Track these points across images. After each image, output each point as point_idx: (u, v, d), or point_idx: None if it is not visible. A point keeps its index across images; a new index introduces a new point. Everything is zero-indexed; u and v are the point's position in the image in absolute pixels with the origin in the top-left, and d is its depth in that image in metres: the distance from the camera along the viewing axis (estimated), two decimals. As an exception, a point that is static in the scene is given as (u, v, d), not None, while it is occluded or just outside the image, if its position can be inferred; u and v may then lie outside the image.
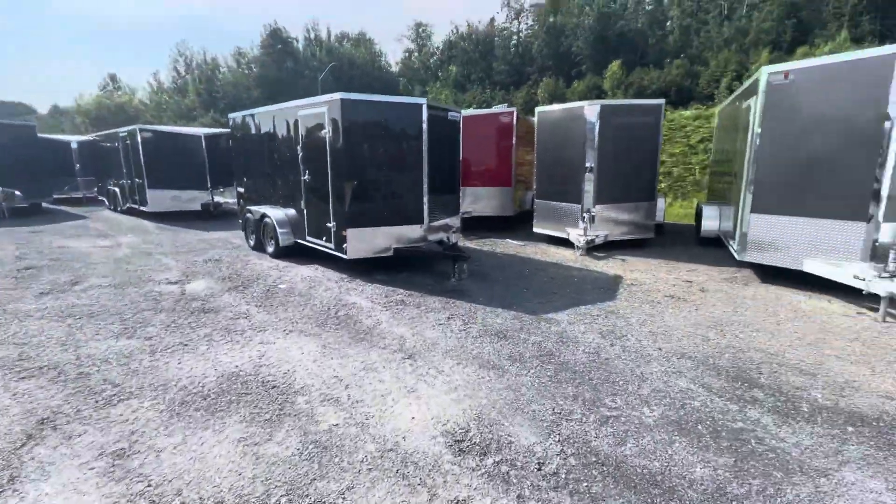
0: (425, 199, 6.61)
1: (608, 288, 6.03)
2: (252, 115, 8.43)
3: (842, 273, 5.19)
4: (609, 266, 7.26)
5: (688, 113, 16.68)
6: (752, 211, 6.06)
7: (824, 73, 5.38)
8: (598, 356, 3.94)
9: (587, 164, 8.10)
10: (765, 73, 5.86)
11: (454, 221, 7.63)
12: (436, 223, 6.99)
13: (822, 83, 5.38)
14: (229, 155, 10.51)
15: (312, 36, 50.45)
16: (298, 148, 6.99)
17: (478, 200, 10.51)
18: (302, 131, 6.89)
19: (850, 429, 2.88)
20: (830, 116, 5.36)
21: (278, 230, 7.49)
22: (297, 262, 7.39)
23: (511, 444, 2.72)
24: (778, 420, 2.98)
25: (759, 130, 5.93)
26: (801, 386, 3.42)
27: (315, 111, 6.51)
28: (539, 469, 2.50)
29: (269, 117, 7.83)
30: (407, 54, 52.06)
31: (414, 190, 6.56)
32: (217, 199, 13.24)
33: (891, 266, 4.77)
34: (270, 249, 7.88)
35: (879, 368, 3.70)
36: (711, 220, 8.33)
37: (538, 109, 9.15)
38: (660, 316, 4.94)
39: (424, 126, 6.38)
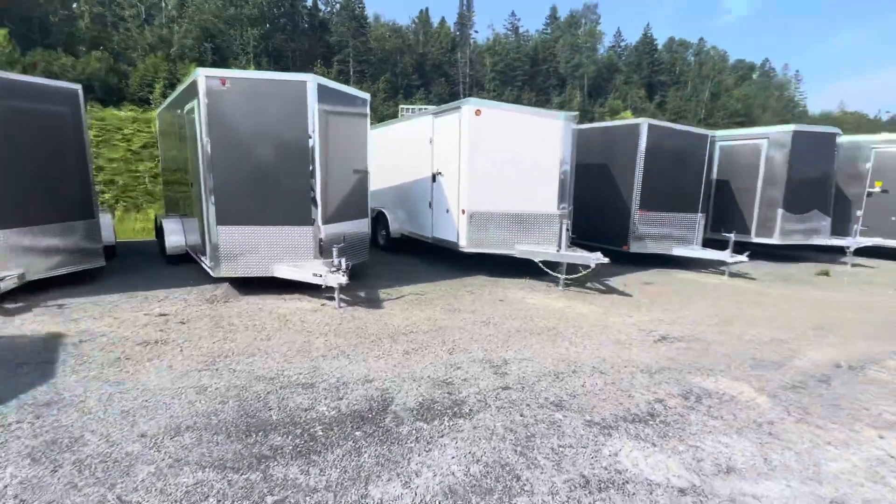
0: None
1: (40, 360, 3.87)
2: None
3: (304, 274, 5.75)
4: (38, 322, 4.82)
5: (123, 114, 14.50)
6: (219, 223, 5.66)
7: (259, 87, 5.60)
8: (26, 510, 2.19)
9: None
10: (201, 76, 5.46)
11: None
12: None
13: (259, 96, 5.58)
14: None
15: None
16: None
17: None
18: None
19: (357, 433, 2.93)
20: (271, 129, 5.69)
21: None
22: None
23: None
24: (303, 464, 2.60)
25: (208, 140, 5.52)
26: (308, 405, 3.26)
27: None
28: None
29: None
30: None
31: None
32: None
33: (335, 261, 5.69)
34: None
35: (349, 351, 4.20)
36: (176, 235, 7.40)
37: None
38: (133, 380, 3.57)
39: None
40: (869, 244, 10.31)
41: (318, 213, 6.00)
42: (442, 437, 2.93)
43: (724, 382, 3.89)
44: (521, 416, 3.23)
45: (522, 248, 7.13)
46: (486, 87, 69.34)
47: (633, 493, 2.45)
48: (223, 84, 5.47)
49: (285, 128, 5.72)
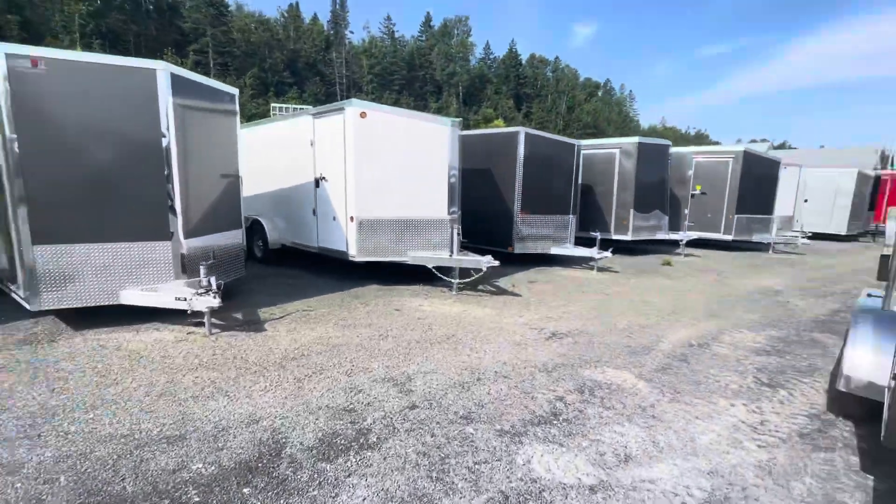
0: None
1: None
2: None
3: (163, 298, 4.83)
4: None
5: None
6: (36, 241, 4.45)
7: (91, 73, 4.54)
8: None
9: None
10: (0, 53, 4.23)
11: None
12: None
13: (91, 85, 4.52)
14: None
15: None
16: None
17: None
18: None
19: (246, 491, 2.46)
20: (110, 125, 4.66)
21: None
22: None
23: None
24: (174, 547, 2.07)
25: (16, 135, 4.31)
26: (177, 465, 2.66)
27: None
28: None
29: None
30: None
31: None
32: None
33: (203, 281, 4.89)
34: None
35: (227, 387, 3.60)
36: (-30, 259, 5.66)
37: None
38: None
39: None
40: (695, 237, 12.51)
41: (179, 225, 5.10)
42: (349, 476, 2.61)
43: (609, 372, 4.22)
44: (433, 436, 3.06)
45: (415, 255, 7.00)
46: (364, 89, 68.39)
47: (551, 502, 2.45)
48: (35, 65, 4.29)
49: (130, 124, 4.73)
